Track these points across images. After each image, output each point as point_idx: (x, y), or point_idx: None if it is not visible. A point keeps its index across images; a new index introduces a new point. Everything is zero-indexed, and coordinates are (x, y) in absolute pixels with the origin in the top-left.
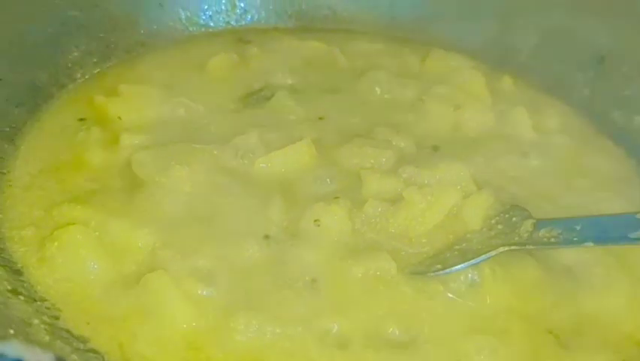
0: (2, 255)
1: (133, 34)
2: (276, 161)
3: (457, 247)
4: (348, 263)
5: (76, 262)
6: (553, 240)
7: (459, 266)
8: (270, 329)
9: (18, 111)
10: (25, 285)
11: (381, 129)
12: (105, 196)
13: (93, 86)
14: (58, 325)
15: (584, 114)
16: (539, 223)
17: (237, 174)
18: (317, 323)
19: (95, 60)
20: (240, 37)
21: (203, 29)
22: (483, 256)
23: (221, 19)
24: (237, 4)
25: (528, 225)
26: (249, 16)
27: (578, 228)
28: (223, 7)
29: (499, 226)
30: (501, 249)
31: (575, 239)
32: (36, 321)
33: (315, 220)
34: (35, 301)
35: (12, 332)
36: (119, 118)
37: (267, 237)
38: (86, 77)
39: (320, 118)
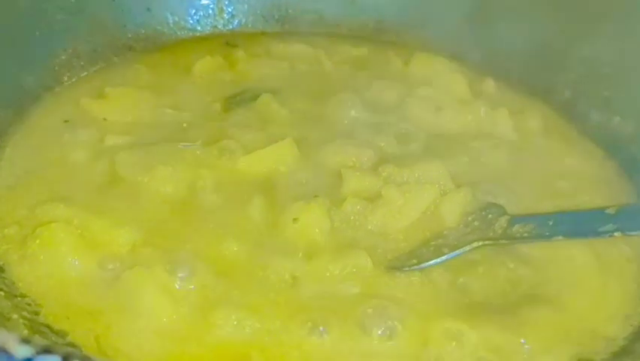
0: None
1: (120, 38)
2: (258, 161)
3: (433, 242)
4: (325, 261)
5: (57, 259)
6: (526, 235)
7: (434, 261)
8: (249, 324)
9: (4, 113)
10: (6, 281)
11: (363, 130)
12: (88, 195)
13: (80, 88)
14: (38, 320)
15: (565, 116)
16: (514, 219)
17: (220, 174)
18: (296, 318)
19: (82, 63)
20: (226, 41)
21: (190, 33)
22: (457, 251)
23: (208, 23)
24: (225, 8)
25: (503, 221)
26: (237, 21)
27: (551, 223)
28: (211, 12)
29: (475, 223)
30: (475, 244)
31: (546, 234)
32: (15, 316)
33: (294, 219)
34: (16, 297)
35: None
36: (105, 120)
37: (246, 235)
38: (73, 79)
39: (304, 119)
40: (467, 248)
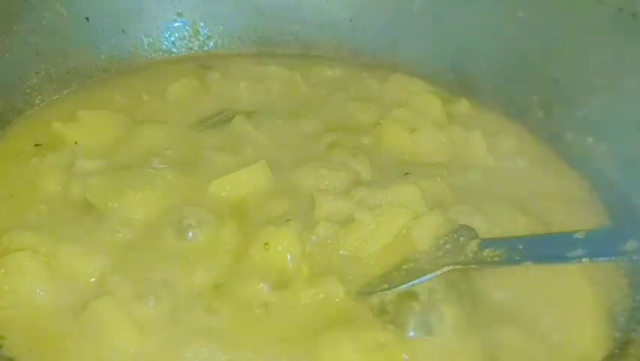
0: None
1: (94, 60)
2: (229, 184)
3: (404, 266)
4: (296, 288)
5: (22, 289)
6: (496, 259)
7: (405, 285)
8: (220, 357)
9: None
10: None
11: (337, 152)
12: (57, 222)
13: (51, 111)
14: (1, 353)
15: (540, 136)
16: (483, 243)
17: (191, 198)
18: (267, 350)
19: (54, 86)
20: (201, 63)
21: (165, 55)
22: (428, 276)
23: (183, 45)
24: (200, 30)
25: (474, 245)
26: (212, 43)
27: (520, 247)
28: (186, 34)
29: (447, 246)
30: (445, 268)
31: (516, 258)
32: None
33: (265, 244)
34: None
35: None
36: (76, 143)
37: (217, 262)
38: (45, 102)
39: (278, 142)
40: (438, 272)
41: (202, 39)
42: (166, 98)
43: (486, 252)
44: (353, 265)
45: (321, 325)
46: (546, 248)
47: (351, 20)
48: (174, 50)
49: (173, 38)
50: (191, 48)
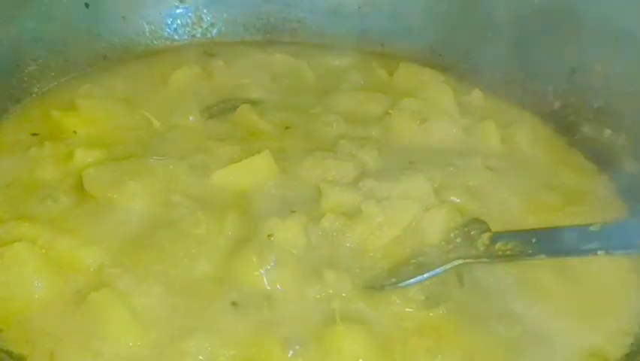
0: None
1: (94, 48)
2: (233, 174)
3: (413, 260)
4: (302, 281)
5: (20, 281)
6: (508, 253)
7: (413, 279)
8: (223, 352)
9: None
10: None
11: (344, 143)
12: (55, 213)
13: (50, 100)
14: None
15: (555, 127)
16: (495, 236)
17: (193, 188)
18: (271, 346)
19: (53, 74)
20: (205, 50)
21: (167, 42)
22: (437, 270)
23: (186, 32)
24: (204, 17)
25: (485, 238)
26: (216, 30)
27: (534, 241)
28: (189, 20)
29: (458, 240)
30: (456, 262)
31: (529, 252)
32: None
33: (269, 235)
34: None
35: None
36: (75, 133)
37: (220, 254)
38: (43, 91)
39: (284, 132)
40: (448, 266)
41: (205, 26)
42: (168, 86)
43: (498, 245)
44: (360, 258)
45: (328, 320)
46: (560, 241)
47: (359, 7)
48: (176, 37)
49: (175, 25)
50: (194, 35)
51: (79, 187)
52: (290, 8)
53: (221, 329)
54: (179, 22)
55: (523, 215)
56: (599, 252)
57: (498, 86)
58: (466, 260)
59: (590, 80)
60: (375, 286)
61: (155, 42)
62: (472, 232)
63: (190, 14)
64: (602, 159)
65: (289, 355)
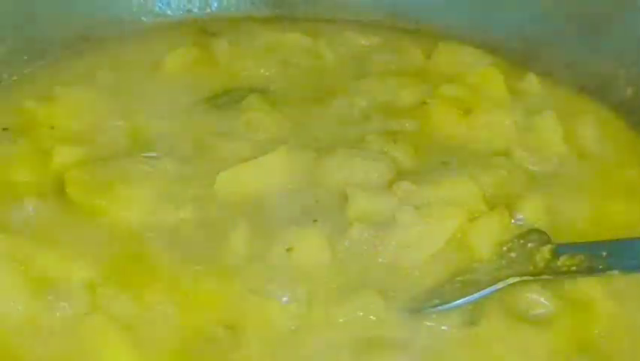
0: None
1: (72, 27)
2: (242, 176)
3: (459, 278)
4: (327, 304)
5: None
6: (574, 268)
7: (460, 301)
8: None
9: None
10: None
11: (374, 138)
12: (34, 223)
13: (22, 89)
14: None
15: (627, 120)
16: (559, 249)
17: (195, 193)
18: None
19: (25, 58)
20: (203, 28)
21: (158, 19)
22: (489, 289)
23: (180, 6)
24: None
25: (546, 251)
26: (215, 3)
27: (604, 254)
28: None
29: (512, 254)
30: (510, 280)
31: (599, 267)
32: None
33: (288, 249)
34: None
35: None
36: (52, 127)
37: (229, 271)
38: (14, 78)
39: (300, 125)
40: (501, 285)
41: None
42: (161, 72)
43: (561, 260)
44: (395, 276)
45: (359, 348)
46: (635, 254)
47: None
48: (169, 12)
49: None
50: (189, 10)
51: (60, 192)
52: None
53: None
54: None
55: (590, 226)
56: None
57: (558, 70)
58: (523, 278)
59: None
60: (414, 308)
61: (144, 18)
62: (529, 245)
63: None
64: None
65: None
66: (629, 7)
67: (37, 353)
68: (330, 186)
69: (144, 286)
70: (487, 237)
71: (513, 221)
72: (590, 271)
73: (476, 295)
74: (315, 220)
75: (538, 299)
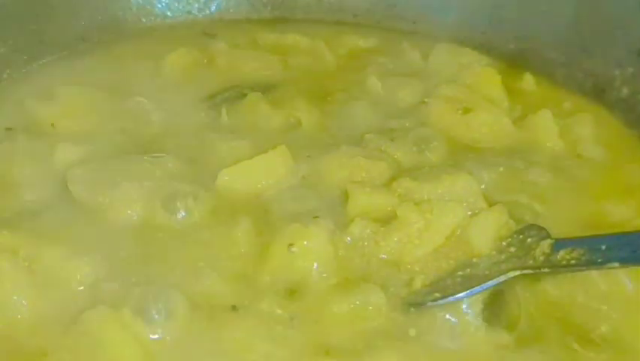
0: None
1: (72, 27)
2: (243, 173)
3: (460, 273)
4: (328, 298)
5: (0, 299)
6: (573, 262)
7: (461, 294)
8: None
9: None
10: None
11: (373, 137)
12: (37, 220)
13: (23, 88)
14: None
15: (623, 119)
16: (558, 244)
17: (198, 191)
18: None
19: (25, 57)
20: (203, 30)
21: (158, 20)
22: (489, 283)
23: (180, 8)
24: None
25: (545, 246)
26: (215, 5)
27: (604, 247)
28: None
29: (512, 249)
30: (511, 274)
31: (598, 260)
32: None
33: (290, 245)
34: None
35: None
36: (53, 126)
37: (232, 267)
38: (15, 77)
39: (300, 124)
40: (501, 279)
41: (203, 0)
42: (161, 72)
43: (561, 254)
44: (396, 271)
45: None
46: (635, 247)
47: None
48: (169, 13)
49: (167, 0)
50: (189, 12)
51: (63, 189)
52: None
53: (237, 355)
54: None
55: (586, 221)
56: None
57: (554, 70)
58: (523, 271)
59: None
60: (415, 302)
61: (144, 20)
62: (528, 240)
63: None
64: None
65: None
66: (626, 7)
67: (42, 348)
68: (330, 184)
69: (146, 282)
70: (487, 232)
71: (511, 217)
72: (589, 264)
73: (477, 289)
74: (316, 217)
75: None
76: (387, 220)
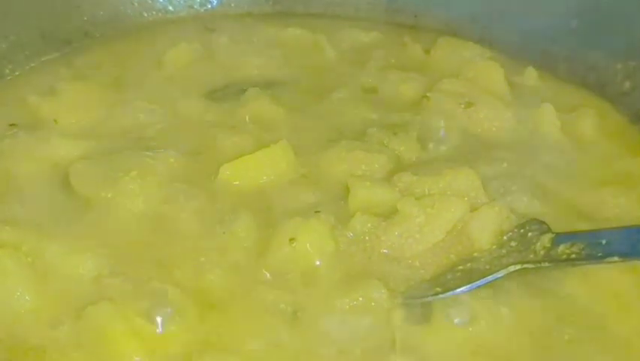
0: None
1: (74, 22)
2: (245, 169)
3: (460, 267)
4: (331, 293)
5: (2, 294)
6: (574, 256)
7: (462, 289)
8: None
9: None
10: None
11: (375, 131)
12: (40, 216)
13: (25, 83)
14: None
15: (626, 113)
16: (558, 238)
17: (198, 185)
18: None
19: (27, 53)
20: (204, 24)
21: (160, 15)
22: (490, 277)
23: (182, 2)
24: None
25: (545, 240)
26: (216, 0)
27: (604, 242)
28: None
29: (512, 243)
30: (511, 268)
31: (599, 254)
32: None
33: (291, 239)
34: None
35: None
36: (55, 122)
37: (233, 261)
38: (17, 73)
39: (301, 119)
40: (502, 273)
41: None
42: (163, 67)
43: (561, 248)
44: (397, 266)
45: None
46: (634, 241)
47: None
48: (170, 8)
49: None
50: (191, 6)
51: (65, 185)
52: None
53: (239, 349)
54: None
55: (587, 216)
56: None
57: (556, 63)
58: (524, 265)
59: None
60: (416, 297)
61: (146, 14)
62: (529, 234)
63: None
64: None
65: None
66: (628, 1)
67: (45, 343)
68: (332, 178)
69: (149, 277)
70: (488, 227)
71: (512, 211)
72: (590, 258)
73: (477, 283)
74: (317, 212)
75: None
76: (388, 215)
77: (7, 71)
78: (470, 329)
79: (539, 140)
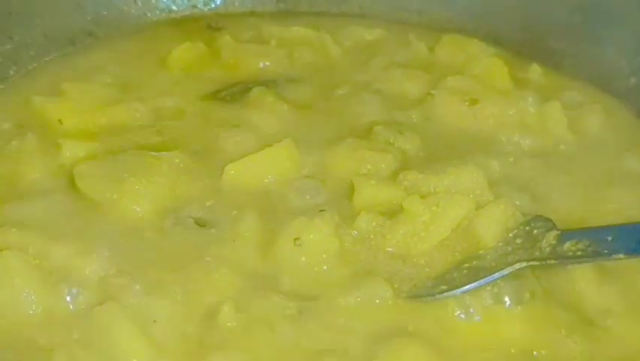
0: None
1: (78, 22)
2: (250, 168)
3: (466, 265)
4: (335, 291)
5: (10, 295)
6: (580, 253)
7: (468, 286)
8: None
9: None
10: None
11: (380, 129)
12: (46, 217)
13: (30, 84)
14: None
15: (632, 109)
16: (564, 235)
17: (204, 186)
18: None
19: (31, 53)
20: (208, 23)
21: (163, 14)
22: (496, 275)
23: (185, 2)
24: None
25: (551, 237)
26: None
27: (610, 238)
28: None
29: (518, 240)
30: (517, 265)
31: (605, 251)
32: None
33: (296, 239)
34: None
35: None
36: (60, 122)
37: (238, 261)
38: (21, 73)
39: (306, 117)
40: (508, 270)
41: None
42: (167, 66)
43: (567, 245)
44: (402, 264)
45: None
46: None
47: None
48: (174, 7)
49: None
50: (194, 5)
51: (71, 186)
52: None
53: (245, 348)
54: None
55: (594, 212)
56: None
57: (561, 60)
58: (530, 263)
59: None
60: (422, 295)
61: (149, 14)
62: (534, 231)
63: None
64: None
65: None
66: None
67: (52, 344)
68: (337, 177)
69: (156, 278)
70: (493, 224)
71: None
72: (595, 255)
73: (483, 281)
74: (322, 210)
75: None
76: (393, 213)
77: (12, 71)
78: (478, 325)
79: (545, 137)
